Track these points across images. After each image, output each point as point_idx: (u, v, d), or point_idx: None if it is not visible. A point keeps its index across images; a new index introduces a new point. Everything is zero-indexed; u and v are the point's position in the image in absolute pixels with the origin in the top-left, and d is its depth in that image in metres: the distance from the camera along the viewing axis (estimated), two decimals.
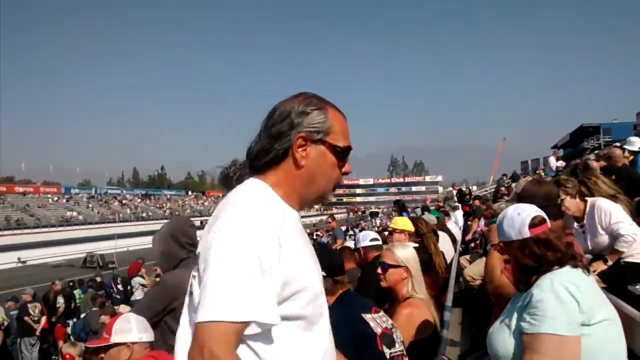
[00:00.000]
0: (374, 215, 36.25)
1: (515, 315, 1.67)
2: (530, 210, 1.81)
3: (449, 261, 5.87)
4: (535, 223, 1.77)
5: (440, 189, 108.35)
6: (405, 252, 2.82)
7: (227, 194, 1.29)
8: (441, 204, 17.93)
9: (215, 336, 1.03)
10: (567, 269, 1.66)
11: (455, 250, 7.07)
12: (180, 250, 2.89)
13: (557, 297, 1.55)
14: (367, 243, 4.53)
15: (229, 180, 1.35)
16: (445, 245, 5.91)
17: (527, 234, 1.75)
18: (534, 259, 1.72)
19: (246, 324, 1.07)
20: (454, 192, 19.04)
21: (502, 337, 1.69)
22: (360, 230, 12.79)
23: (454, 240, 7.38)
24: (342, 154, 1.30)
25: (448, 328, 3.14)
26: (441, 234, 6.23)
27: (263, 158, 1.28)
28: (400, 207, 10.08)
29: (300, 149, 1.26)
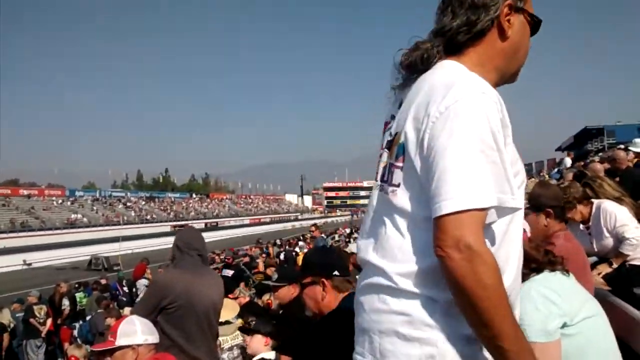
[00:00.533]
0: None
1: None
2: None
3: None
4: None
5: None
6: None
7: (421, 78, 1.18)
8: None
9: (467, 227, 0.96)
10: (544, 274, 1.66)
11: None
12: (178, 253, 3.11)
13: (533, 304, 1.56)
14: None
15: (425, 62, 1.20)
16: None
17: None
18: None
19: (488, 210, 1.01)
20: None
21: None
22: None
23: None
24: (536, 25, 1.23)
25: None
26: None
27: (466, 33, 1.18)
28: None
29: (506, 18, 1.17)
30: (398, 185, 1.14)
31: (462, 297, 0.98)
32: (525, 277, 1.67)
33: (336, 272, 2.18)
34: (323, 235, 17.88)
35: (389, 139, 1.22)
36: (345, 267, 2.31)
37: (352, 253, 5.20)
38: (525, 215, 2.60)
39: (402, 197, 1.12)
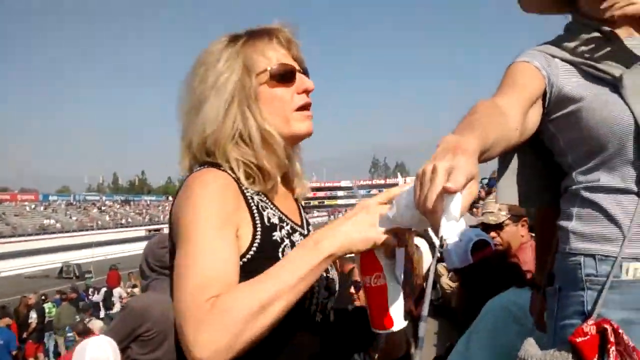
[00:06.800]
0: None
1: (466, 336, 1.65)
2: (471, 235, 1.81)
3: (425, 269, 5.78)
4: (477, 247, 1.79)
5: None
6: None
7: None
8: None
9: None
10: (511, 290, 1.63)
11: (433, 257, 7.01)
12: (149, 272, 2.93)
13: (501, 322, 1.53)
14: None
15: None
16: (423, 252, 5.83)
17: (470, 260, 1.79)
18: (476, 285, 1.77)
19: None
20: None
21: (455, 357, 1.66)
22: None
23: (432, 245, 7.32)
24: None
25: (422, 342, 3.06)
26: (418, 240, 6.14)
27: None
28: None
29: None
30: None
31: None
32: (493, 292, 1.64)
33: None
34: None
35: None
36: None
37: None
38: (504, 226, 2.50)
39: None
